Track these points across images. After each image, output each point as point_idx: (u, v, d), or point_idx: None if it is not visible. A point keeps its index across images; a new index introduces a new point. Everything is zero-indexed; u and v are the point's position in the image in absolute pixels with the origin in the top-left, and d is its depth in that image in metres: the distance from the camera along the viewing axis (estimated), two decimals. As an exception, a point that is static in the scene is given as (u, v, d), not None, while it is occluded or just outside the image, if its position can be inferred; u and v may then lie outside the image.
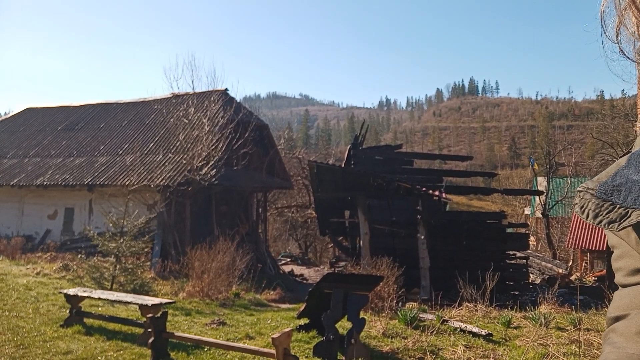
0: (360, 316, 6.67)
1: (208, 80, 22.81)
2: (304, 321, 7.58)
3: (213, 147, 18.01)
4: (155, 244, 15.75)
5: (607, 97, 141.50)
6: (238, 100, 22.55)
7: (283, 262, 27.68)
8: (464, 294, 10.92)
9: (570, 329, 8.34)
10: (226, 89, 22.24)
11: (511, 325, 8.88)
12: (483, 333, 8.26)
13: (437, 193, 14.73)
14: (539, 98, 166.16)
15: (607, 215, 0.66)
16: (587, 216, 0.69)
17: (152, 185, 17.14)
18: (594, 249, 25.69)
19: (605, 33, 0.74)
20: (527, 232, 18.75)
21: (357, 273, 9.71)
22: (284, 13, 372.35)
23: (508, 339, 8.24)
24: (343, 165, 17.14)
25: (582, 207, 0.70)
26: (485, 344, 7.97)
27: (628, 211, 0.64)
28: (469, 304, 10.61)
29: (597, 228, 26.46)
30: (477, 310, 10.27)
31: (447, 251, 16.08)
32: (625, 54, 0.74)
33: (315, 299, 6.97)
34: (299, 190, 29.85)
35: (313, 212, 28.78)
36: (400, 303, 10.95)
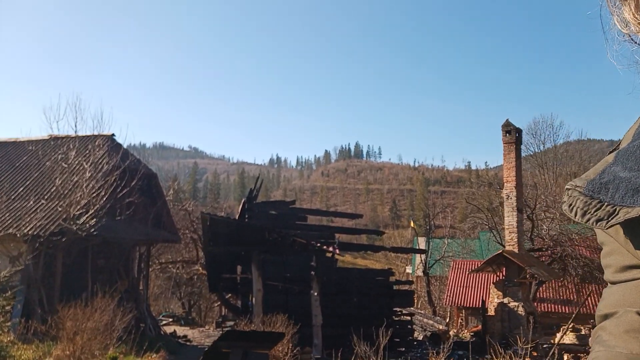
0: (260, 377, 6.27)
1: (94, 124, 21.35)
2: (195, 386, 6.95)
3: (94, 194, 16.63)
4: (17, 301, 13.73)
5: (473, 167, 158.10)
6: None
7: (164, 322, 25.71)
8: (357, 351, 10.89)
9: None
10: (113, 134, 20.96)
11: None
12: (379, 391, 8.20)
13: (331, 249, 14.89)
14: (417, 165, 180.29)
15: (595, 213, 0.66)
16: (575, 214, 0.69)
17: (18, 235, 15.17)
18: (468, 306, 27.53)
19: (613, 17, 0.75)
20: (411, 289, 19.54)
21: (257, 330, 9.25)
22: (171, 61, 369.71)
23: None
24: (237, 219, 16.74)
25: (570, 205, 0.71)
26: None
27: (616, 209, 0.64)
28: (362, 362, 10.58)
29: (471, 286, 28.51)
30: (370, 368, 10.26)
31: (338, 308, 16.14)
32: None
33: (211, 360, 6.45)
34: (186, 244, 28.45)
35: (200, 268, 27.47)
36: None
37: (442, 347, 16.06)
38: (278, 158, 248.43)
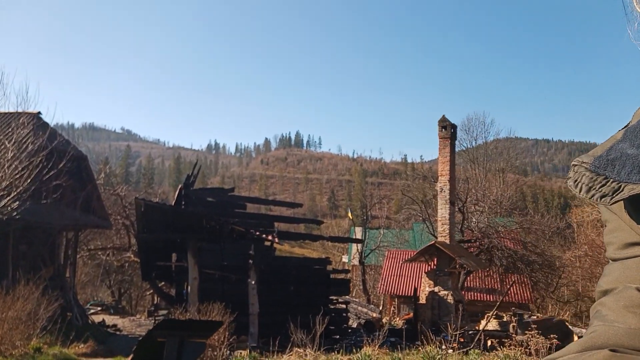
0: (197, 367, 6.15)
1: (18, 101, 19.79)
2: (127, 376, 6.72)
3: (17, 176, 15.55)
4: None
5: (409, 160, 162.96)
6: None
7: (93, 311, 24.64)
8: (294, 339, 10.96)
9: (392, 369, 8.91)
10: (39, 112, 19.66)
11: (340, 369, 9.13)
12: (315, 378, 8.31)
13: (270, 237, 14.84)
14: (356, 156, 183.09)
15: (600, 189, 0.66)
16: (580, 190, 0.69)
17: None
18: (401, 294, 28.46)
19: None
20: (348, 278, 19.91)
21: (194, 319, 9.06)
22: (104, 38, 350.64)
23: (338, 382, 8.43)
24: (173, 205, 16.26)
25: (575, 181, 0.70)
26: (318, 389, 8.03)
27: (621, 185, 0.64)
28: (299, 349, 10.67)
29: (404, 275, 29.46)
30: (306, 355, 10.37)
31: (275, 296, 16.15)
32: None
33: (144, 350, 6.23)
34: (117, 230, 27.31)
35: (132, 255, 26.49)
36: (229, 352, 10.50)
37: (375, 334, 16.54)
38: (216, 144, 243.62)
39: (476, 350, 11.21)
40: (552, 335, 9.72)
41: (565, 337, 14.36)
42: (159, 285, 23.24)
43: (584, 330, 17.85)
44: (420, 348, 9.91)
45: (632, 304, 0.62)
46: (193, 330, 6.29)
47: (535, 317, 20.40)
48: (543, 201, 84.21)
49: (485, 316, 22.54)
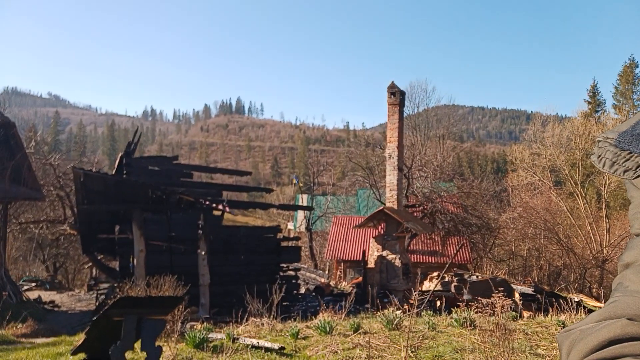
0: (158, 343, 5.86)
1: None
2: (80, 357, 6.30)
3: None
4: None
5: (351, 127, 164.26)
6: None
7: (26, 287, 23.34)
8: (250, 309, 10.82)
9: (351, 334, 9.00)
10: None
11: (299, 336, 9.11)
12: (276, 347, 8.24)
13: (220, 207, 14.43)
14: (298, 123, 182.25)
15: (623, 164, 0.67)
16: (604, 165, 0.70)
17: None
18: (347, 259, 28.99)
19: None
20: (299, 245, 19.92)
21: (154, 295, 8.67)
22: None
23: (299, 350, 8.41)
24: (115, 175, 15.38)
25: (599, 156, 0.70)
26: (279, 357, 7.97)
27: None
28: (255, 319, 10.55)
29: (350, 241, 29.91)
30: (263, 325, 10.28)
31: (226, 266, 15.88)
32: None
33: (99, 330, 5.84)
34: (50, 202, 25.71)
35: (68, 228, 25.11)
36: (182, 324, 10.20)
37: (327, 298, 16.74)
38: (153, 110, 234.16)
39: (429, 312, 11.58)
40: (499, 289, 10.17)
41: (509, 294, 15.18)
42: (99, 257, 22.26)
43: (519, 287, 18.98)
44: (376, 312, 10.08)
45: None
46: (152, 307, 5.96)
47: (474, 276, 21.41)
48: (478, 167, 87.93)
49: (429, 277, 23.44)
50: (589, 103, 48.05)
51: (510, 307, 12.87)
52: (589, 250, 27.64)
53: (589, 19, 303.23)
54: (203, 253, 14.22)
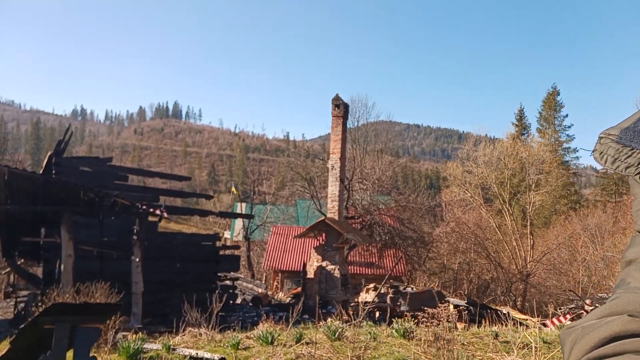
0: (91, 354, 5.46)
1: None
2: (1, 370, 5.73)
3: None
4: None
5: (292, 138, 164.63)
6: None
7: None
8: (187, 319, 10.40)
9: (293, 344, 8.86)
10: None
11: (240, 347, 8.85)
12: (216, 358, 7.96)
13: (158, 212, 13.84)
14: (238, 131, 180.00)
15: (625, 160, 0.67)
16: (606, 161, 0.69)
17: None
18: (285, 269, 28.77)
19: None
20: (238, 254, 19.52)
21: (90, 302, 8.09)
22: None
23: (240, 361, 8.17)
24: (44, 174, 14.38)
25: (601, 152, 0.70)
26: (220, 369, 7.69)
27: None
28: (192, 329, 10.15)
29: (288, 251, 29.75)
30: (201, 335, 9.91)
31: (160, 274, 15.23)
32: None
33: (26, 339, 5.35)
34: (-36, 202, 23.59)
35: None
36: (114, 333, 9.62)
37: (265, 309, 16.47)
38: (83, 110, 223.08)
39: (369, 322, 11.67)
40: (439, 301, 10.42)
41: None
42: (19, 262, 20.68)
43: (453, 299, 19.63)
44: (318, 322, 10.01)
45: None
46: (86, 315, 5.56)
47: (409, 288, 21.93)
48: (412, 182, 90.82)
49: (365, 289, 23.72)
50: (516, 126, 51.15)
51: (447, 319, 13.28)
52: (514, 264, 29.18)
53: (519, 45, 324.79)
54: (137, 260, 13.55)
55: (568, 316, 13.70)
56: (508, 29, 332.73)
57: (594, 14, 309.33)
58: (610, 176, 49.50)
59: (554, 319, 13.91)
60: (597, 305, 13.55)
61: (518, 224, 31.64)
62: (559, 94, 51.11)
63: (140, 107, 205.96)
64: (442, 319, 7.77)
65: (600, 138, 0.71)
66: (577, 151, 47.76)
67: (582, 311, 13.93)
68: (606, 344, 0.59)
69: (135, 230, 13.67)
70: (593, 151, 0.72)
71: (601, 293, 17.23)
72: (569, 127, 50.60)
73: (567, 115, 51.39)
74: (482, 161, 34.34)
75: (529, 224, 31.61)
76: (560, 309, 16.82)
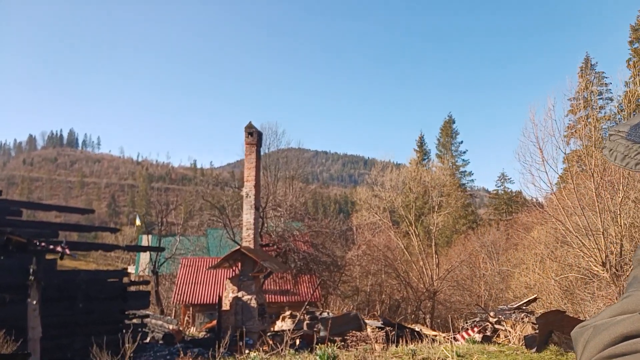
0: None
1: None
2: None
3: None
4: None
5: (199, 166, 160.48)
6: None
7: None
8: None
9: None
10: None
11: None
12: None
13: (59, 249, 12.74)
14: (140, 159, 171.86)
15: (635, 157, 0.67)
16: (615, 158, 0.70)
17: None
18: (197, 303, 27.62)
19: None
20: (147, 290, 18.45)
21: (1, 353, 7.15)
22: None
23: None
24: None
25: (610, 150, 0.71)
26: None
27: None
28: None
29: (199, 283, 28.69)
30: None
31: (60, 317, 13.96)
32: None
33: None
34: None
35: None
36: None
37: (178, 346, 15.66)
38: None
39: (291, 351, 11.53)
40: (364, 324, 10.61)
41: (360, 328, 15.91)
42: None
43: (370, 321, 20.06)
44: (239, 355, 9.68)
45: None
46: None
47: (325, 313, 22.04)
48: (322, 207, 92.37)
49: (281, 317, 23.47)
50: (418, 152, 54.46)
51: (364, 341, 13.52)
52: (422, 283, 30.55)
53: (418, 74, 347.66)
54: (34, 302, 12.31)
55: (475, 329, 14.58)
56: (406, 56, 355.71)
57: (481, 44, 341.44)
58: (501, 196, 54.19)
59: (463, 333, 14.74)
60: (500, 317, 14.57)
61: (424, 244, 33.34)
62: (454, 122, 55.51)
63: (31, 136, 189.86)
64: (370, 341, 7.92)
65: (610, 135, 0.71)
66: (472, 174, 51.84)
67: (487, 323, 14.89)
68: (618, 343, 0.59)
69: (32, 270, 12.43)
70: (603, 148, 0.72)
71: (501, 305, 18.57)
72: (464, 152, 55.10)
73: (462, 142, 55.82)
74: (389, 185, 35.95)
75: (433, 243, 33.41)
76: (467, 322, 17.85)
